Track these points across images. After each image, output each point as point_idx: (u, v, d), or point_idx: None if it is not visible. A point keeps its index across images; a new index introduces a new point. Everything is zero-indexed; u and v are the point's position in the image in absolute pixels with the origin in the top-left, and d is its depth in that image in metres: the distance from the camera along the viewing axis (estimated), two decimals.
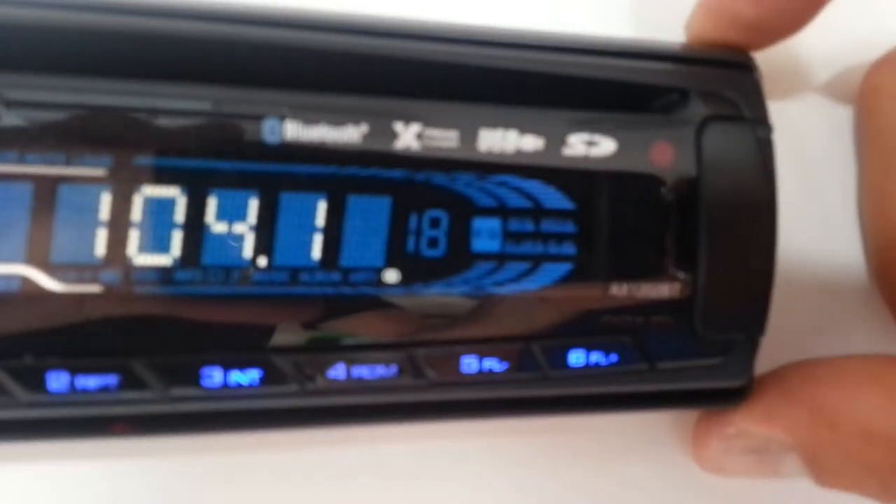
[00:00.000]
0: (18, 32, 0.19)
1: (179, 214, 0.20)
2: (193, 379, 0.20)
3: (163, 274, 0.20)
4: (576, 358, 0.23)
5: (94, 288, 0.19)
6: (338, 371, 0.21)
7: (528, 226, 0.22)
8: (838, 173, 0.29)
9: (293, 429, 0.22)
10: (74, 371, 0.19)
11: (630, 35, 0.25)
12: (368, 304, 0.21)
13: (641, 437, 0.28)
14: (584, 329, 0.23)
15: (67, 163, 0.19)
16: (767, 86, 0.25)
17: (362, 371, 0.21)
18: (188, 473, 0.24)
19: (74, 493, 0.23)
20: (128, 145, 0.19)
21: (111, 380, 0.20)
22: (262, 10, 0.21)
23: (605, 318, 0.23)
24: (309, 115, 0.21)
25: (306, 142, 0.21)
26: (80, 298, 0.19)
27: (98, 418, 0.20)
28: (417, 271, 0.22)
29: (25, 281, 0.19)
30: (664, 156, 0.23)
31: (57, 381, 0.19)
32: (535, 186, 0.22)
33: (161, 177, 0.20)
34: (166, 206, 0.20)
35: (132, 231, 0.20)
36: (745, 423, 0.25)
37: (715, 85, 0.24)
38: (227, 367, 0.20)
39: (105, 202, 0.19)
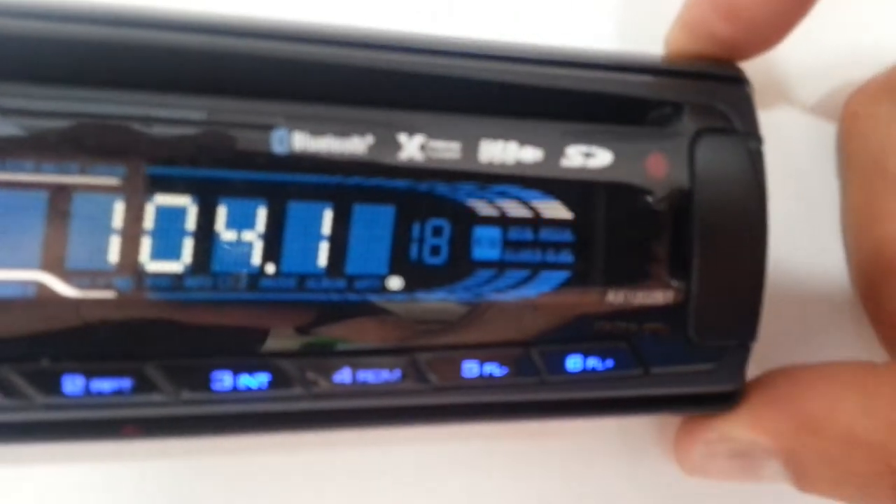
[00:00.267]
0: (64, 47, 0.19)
1: (190, 223, 0.20)
2: (204, 383, 0.21)
3: (174, 280, 0.20)
4: (573, 363, 0.23)
5: (107, 294, 0.20)
6: (343, 375, 0.22)
7: (528, 234, 0.23)
8: (826, 185, 0.30)
9: (300, 431, 0.23)
10: (90, 374, 0.20)
11: (615, 47, 0.25)
12: (373, 311, 0.22)
13: (629, 440, 0.28)
14: (582, 335, 0.23)
15: (82, 172, 0.19)
16: (758, 99, 0.25)
17: (367, 375, 0.22)
18: (197, 475, 0.24)
19: (86, 495, 0.23)
20: (140, 156, 0.20)
21: (125, 383, 0.20)
22: (273, 24, 0.21)
23: (601, 324, 0.23)
24: (316, 127, 0.21)
25: (313, 152, 0.21)
26: (94, 304, 0.20)
27: (110, 421, 0.20)
28: (420, 278, 0.22)
29: (41, 287, 0.19)
30: (659, 167, 0.24)
31: (73, 384, 0.20)
32: (534, 196, 0.23)
33: (172, 186, 0.20)
34: (178, 214, 0.20)
35: (144, 239, 0.20)
36: (730, 428, 0.25)
37: (708, 98, 0.24)
38: (236, 371, 0.21)
39: (118, 211, 0.20)
